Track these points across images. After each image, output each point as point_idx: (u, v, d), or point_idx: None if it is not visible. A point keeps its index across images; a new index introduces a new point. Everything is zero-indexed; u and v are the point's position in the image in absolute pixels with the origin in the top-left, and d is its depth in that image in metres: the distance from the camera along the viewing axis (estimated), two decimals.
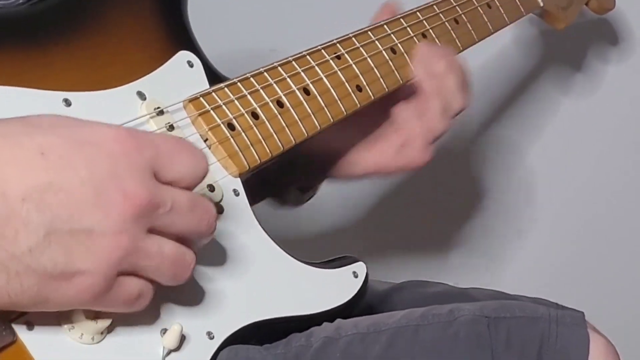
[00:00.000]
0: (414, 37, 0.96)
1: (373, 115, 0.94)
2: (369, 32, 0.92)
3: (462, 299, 0.99)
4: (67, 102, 0.69)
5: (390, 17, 0.96)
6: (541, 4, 1.16)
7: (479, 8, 1.05)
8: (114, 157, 0.58)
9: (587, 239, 1.65)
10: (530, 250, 1.67)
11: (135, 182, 0.58)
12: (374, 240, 1.61)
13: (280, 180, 0.98)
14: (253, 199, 0.79)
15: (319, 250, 1.03)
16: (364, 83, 0.89)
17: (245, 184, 0.77)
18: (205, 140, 0.76)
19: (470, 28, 1.03)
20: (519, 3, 1.12)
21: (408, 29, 0.96)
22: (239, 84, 0.80)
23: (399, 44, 0.94)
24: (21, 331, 0.61)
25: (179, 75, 0.77)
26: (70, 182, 0.56)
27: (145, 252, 0.60)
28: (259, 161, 0.78)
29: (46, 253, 0.56)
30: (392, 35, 0.94)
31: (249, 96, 0.80)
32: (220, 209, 0.75)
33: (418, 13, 0.98)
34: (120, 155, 0.58)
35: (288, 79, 0.83)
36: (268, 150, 0.79)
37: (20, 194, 0.55)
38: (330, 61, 0.88)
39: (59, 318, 0.62)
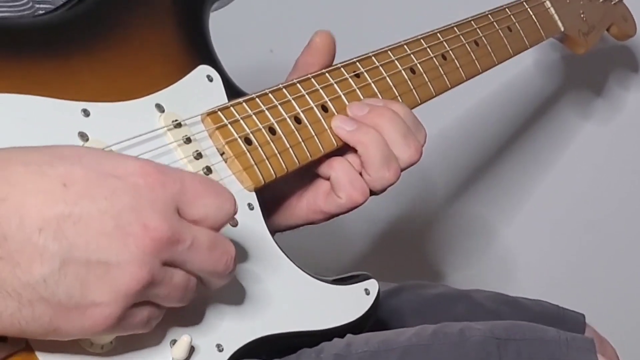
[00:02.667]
0: (434, 58, 0.96)
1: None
2: (389, 52, 0.93)
3: (462, 300, 0.99)
4: (86, 113, 0.69)
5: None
6: (562, 29, 1.16)
7: (499, 31, 1.05)
8: (137, 190, 0.58)
9: (588, 240, 1.65)
10: (530, 251, 1.67)
11: (156, 216, 0.58)
12: (374, 241, 1.62)
13: None
14: None
15: (323, 255, 1.04)
16: None
17: None
18: (221, 154, 0.76)
19: (490, 50, 1.03)
20: (539, 27, 1.12)
21: (428, 49, 0.96)
22: (257, 99, 0.80)
23: (418, 65, 0.94)
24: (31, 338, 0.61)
25: (198, 89, 0.78)
26: (89, 212, 0.56)
27: (159, 283, 0.60)
28: (274, 176, 0.79)
29: (61, 284, 0.56)
30: (411, 55, 0.94)
31: (266, 111, 0.80)
32: (234, 222, 0.76)
33: (439, 34, 0.98)
34: (143, 189, 0.58)
35: (306, 96, 0.84)
36: (284, 166, 0.80)
37: (38, 223, 0.55)
38: (349, 79, 0.88)
39: None
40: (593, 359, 0.80)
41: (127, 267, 0.57)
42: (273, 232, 0.82)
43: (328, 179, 0.85)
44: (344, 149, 0.86)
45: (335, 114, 0.85)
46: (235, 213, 0.64)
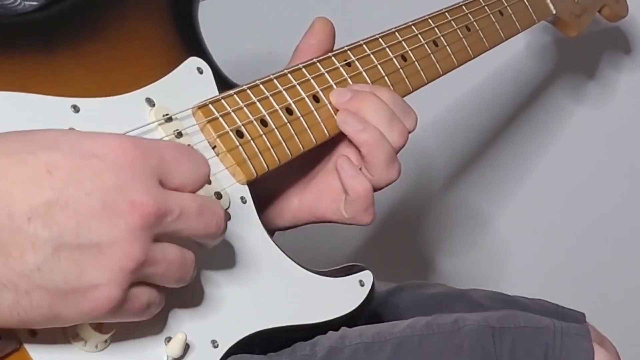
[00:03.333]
0: (425, 45, 0.95)
1: (313, 157, 0.88)
2: (380, 39, 0.92)
3: (460, 299, 0.99)
4: (76, 109, 0.69)
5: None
6: (554, 11, 1.16)
7: (491, 15, 1.04)
8: (118, 167, 0.58)
9: (588, 240, 1.65)
10: (530, 250, 1.67)
11: (141, 190, 0.58)
12: (373, 241, 1.62)
13: None
14: None
15: (320, 253, 1.03)
16: None
17: None
18: (213, 148, 0.76)
19: (482, 35, 1.02)
20: (531, 10, 1.11)
21: (419, 36, 0.95)
22: (248, 91, 0.79)
23: (410, 52, 0.94)
24: (25, 338, 0.61)
25: (189, 82, 0.77)
26: (76, 196, 0.56)
27: (154, 260, 0.60)
28: (266, 169, 0.78)
29: (56, 269, 0.56)
30: (403, 42, 0.94)
31: (258, 103, 0.79)
32: (227, 217, 0.75)
33: (430, 20, 0.97)
34: (125, 165, 0.58)
35: (298, 86, 0.83)
36: (276, 158, 0.79)
37: (26, 212, 0.55)
38: (341, 68, 0.87)
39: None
40: (588, 347, 0.80)
41: (119, 245, 0.57)
42: (272, 231, 0.83)
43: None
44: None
45: (327, 104, 0.84)
46: (209, 173, 0.64)
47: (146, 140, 0.61)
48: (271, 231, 0.82)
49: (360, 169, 0.84)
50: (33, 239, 0.55)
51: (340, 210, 0.85)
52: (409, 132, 0.86)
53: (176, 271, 0.62)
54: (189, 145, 0.72)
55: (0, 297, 0.55)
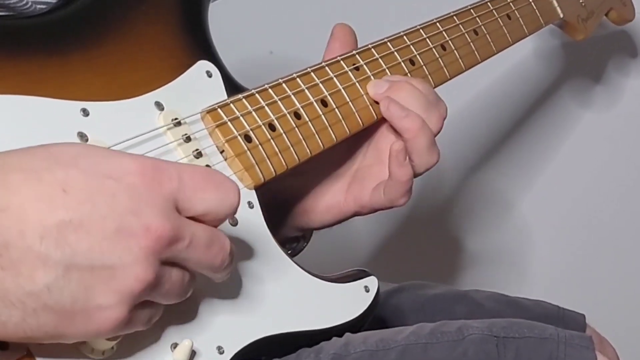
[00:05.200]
0: (433, 49, 0.95)
1: (339, 153, 0.91)
2: (388, 43, 0.92)
3: (461, 301, 0.99)
4: (85, 112, 0.68)
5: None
6: (561, 15, 1.15)
7: (499, 19, 1.04)
8: (135, 190, 0.57)
9: (588, 241, 1.66)
10: (530, 251, 1.67)
11: (156, 215, 0.58)
12: (374, 241, 1.62)
13: None
14: None
15: (322, 254, 1.03)
16: None
17: None
18: (221, 152, 0.75)
19: (490, 39, 1.02)
20: (538, 14, 1.11)
21: (427, 40, 0.95)
22: (257, 95, 0.79)
23: (418, 56, 0.93)
24: (33, 346, 0.60)
25: (198, 85, 0.77)
26: (90, 218, 0.56)
27: (160, 282, 0.60)
28: (274, 174, 0.78)
29: (65, 290, 0.55)
30: (411, 46, 0.93)
31: (266, 108, 0.79)
32: (234, 221, 0.75)
33: (438, 24, 0.97)
34: (141, 189, 0.58)
35: (306, 91, 0.83)
36: (284, 163, 0.79)
37: (39, 231, 0.54)
38: (349, 72, 0.87)
39: None
40: (591, 357, 0.80)
41: (131, 269, 0.57)
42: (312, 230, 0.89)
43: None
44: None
45: (335, 108, 0.84)
46: (238, 204, 0.63)
47: (167, 164, 0.61)
48: (315, 230, 0.88)
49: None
50: (44, 259, 0.54)
51: (379, 195, 0.88)
52: (444, 118, 0.89)
53: (177, 290, 0.62)
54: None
55: (7, 315, 0.55)
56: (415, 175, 0.87)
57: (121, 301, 0.57)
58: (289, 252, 0.81)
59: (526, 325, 0.82)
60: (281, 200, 0.90)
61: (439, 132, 0.88)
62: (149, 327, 0.63)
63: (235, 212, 0.63)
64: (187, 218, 0.60)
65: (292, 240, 0.95)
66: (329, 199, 0.90)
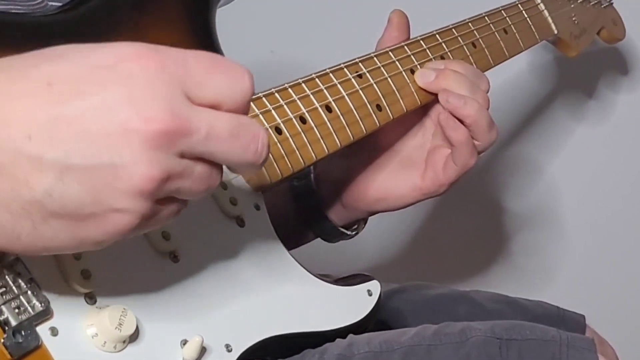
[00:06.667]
0: (433, 60, 0.97)
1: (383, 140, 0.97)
2: (390, 53, 0.93)
3: (462, 301, 1.00)
4: None
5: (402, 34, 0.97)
6: (555, 32, 1.17)
7: (495, 33, 1.06)
8: (131, 77, 0.51)
9: (589, 242, 1.67)
10: (530, 252, 1.68)
11: (157, 105, 0.51)
12: (376, 242, 1.62)
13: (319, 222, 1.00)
14: (300, 242, 0.83)
15: (323, 254, 1.04)
16: (384, 103, 0.90)
17: (290, 228, 0.79)
18: None
19: (487, 52, 1.04)
20: (534, 30, 1.13)
21: (427, 50, 0.97)
22: (263, 98, 0.80)
23: (418, 66, 0.95)
24: (45, 336, 0.61)
25: None
26: (81, 112, 0.50)
27: (178, 177, 0.53)
28: (280, 176, 0.79)
29: (67, 194, 0.51)
30: (412, 56, 0.95)
31: (273, 111, 0.80)
32: (241, 223, 0.76)
33: (437, 35, 0.99)
34: (139, 75, 0.51)
35: (311, 96, 0.84)
36: (290, 166, 0.80)
37: (25, 130, 0.49)
38: (352, 80, 0.88)
39: (84, 325, 0.63)
40: (593, 359, 0.81)
41: (134, 167, 0.51)
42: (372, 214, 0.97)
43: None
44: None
45: (339, 114, 0.85)
46: (251, 90, 0.55)
47: (168, 48, 0.54)
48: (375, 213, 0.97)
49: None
50: (37, 161, 0.50)
51: (452, 166, 0.93)
52: (487, 93, 0.95)
53: (203, 186, 0.55)
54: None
55: (20, 226, 0.51)
56: (479, 152, 0.94)
57: (133, 203, 0.52)
58: (354, 233, 0.94)
59: (528, 327, 0.82)
60: (335, 183, 0.97)
61: (489, 107, 0.94)
62: (172, 221, 0.57)
63: (249, 100, 0.56)
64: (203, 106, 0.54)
65: (352, 223, 1.01)
66: (405, 185, 0.96)
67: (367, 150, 0.94)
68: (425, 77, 0.93)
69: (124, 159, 0.50)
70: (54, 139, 0.50)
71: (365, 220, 1.02)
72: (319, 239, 1.01)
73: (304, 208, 0.99)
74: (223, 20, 0.85)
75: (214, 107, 0.54)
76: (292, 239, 0.78)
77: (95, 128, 0.50)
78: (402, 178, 0.96)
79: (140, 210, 0.52)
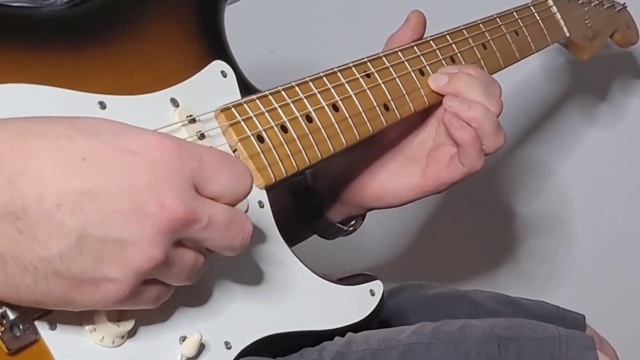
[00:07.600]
0: (442, 60, 0.97)
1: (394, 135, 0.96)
2: (399, 53, 0.93)
3: (461, 300, 1.00)
4: (102, 105, 0.69)
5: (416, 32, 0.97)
6: (567, 34, 1.17)
7: (507, 35, 1.05)
8: (153, 166, 0.57)
9: (589, 243, 1.66)
10: (530, 252, 1.68)
11: (173, 194, 0.57)
12: (375, 241, 1.62)
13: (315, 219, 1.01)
14: (297, 239, 0.83)
15: (324, 253, 1.04)
16: (392, 104, 0.90)
17: (286, 225, 0.79)
18: (234, 151, 0.76)
19: (498, 54, 1.03)
20: (546, 32, 1.12)
21: (437, 51, 0.96)
22: (270, 96, 0.80)
23: (427, 66, 0.95)
24: (44, 331, 0.62)
25: (212, 85, 0.78)
26: (107, 189, 0.56)
27: (170, 263, 0.60)
28: (285, 174, 0.79)
29: (76, 259, 0.56)
30: (421, 57, 0.95)
31: (279, 109, 0.80)
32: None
33: (448, 36, 0.98)
34: (160, 164, 0.57)
35: (318, 95, 0.84)
36: (295, 164, 0.80)
37: (56, 198, 0.55)
38: (360, 79, 0.88)
39: (82, 320, 0.63)
40: (593, 356, 0.80)
41: (141, 245, 0.57)
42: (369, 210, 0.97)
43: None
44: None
45: (346, 114, 0.85)
46: (251, 188, 0.63)
47: (188, 143, 0.61)
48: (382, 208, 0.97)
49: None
50: (59, 226, 0.55)
51: (458, 167, 0.93)
52: (500, 97, 0.95)
53: (188, 273, 0.62)
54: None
55: (20, 278, 0.56)
56: (485, 155, 0.93)
57: (127, 276, 0.57)
58: (351, 229, 0.93)
59: (528, 325, 0.82)
60: (337, 180, 0.98)
61: (500, 112, 0.93)
62: (156, 305, 0.63)
63: (247, 196, 0.63)
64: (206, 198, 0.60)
65: (349, 220, 1.01)
66: (405, 182, 0.96)
67: (368, 146, 0.93)
68: (438, 81, 0.94)
69: (134, 236, 0.57)
70: (79, 209, 0.55)
71: (363, 217, 1.02)
72: (317, 238, 1.01)
73: (300, 204, 0.99)
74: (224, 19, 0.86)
75: (216, 199, 0.61)
76: (289, 236, 0.78)
77: (117, 205, 0.56)
78: (402, 175, 0.97)
79: (130, 283, 0.58)
